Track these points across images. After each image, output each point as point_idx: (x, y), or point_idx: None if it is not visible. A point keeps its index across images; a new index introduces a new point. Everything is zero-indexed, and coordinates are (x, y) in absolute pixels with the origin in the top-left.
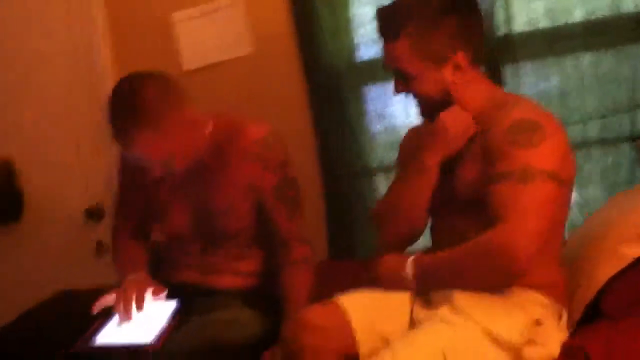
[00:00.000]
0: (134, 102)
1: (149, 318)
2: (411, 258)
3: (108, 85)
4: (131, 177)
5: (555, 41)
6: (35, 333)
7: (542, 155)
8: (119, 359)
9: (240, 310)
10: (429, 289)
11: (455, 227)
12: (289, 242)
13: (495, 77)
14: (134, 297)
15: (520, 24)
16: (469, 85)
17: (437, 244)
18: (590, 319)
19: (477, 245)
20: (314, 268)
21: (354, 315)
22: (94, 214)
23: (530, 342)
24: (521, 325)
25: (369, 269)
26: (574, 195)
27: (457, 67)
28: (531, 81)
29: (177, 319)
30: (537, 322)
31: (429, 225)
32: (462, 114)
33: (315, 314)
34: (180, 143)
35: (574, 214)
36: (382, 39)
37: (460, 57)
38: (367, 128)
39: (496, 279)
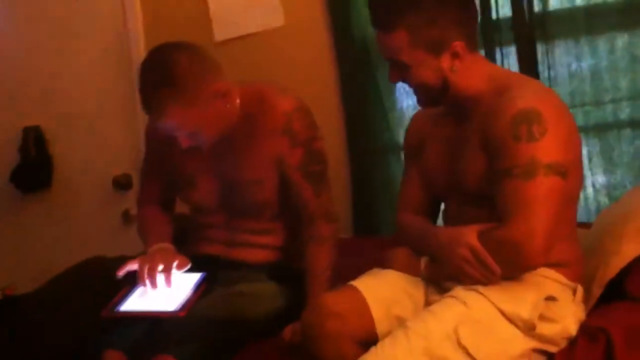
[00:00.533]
0: (165, 73)
1: (173, 288)
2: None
3: (139, 55)
4: (158, 148)
5: (591, 20)
6: (65, 297)
7: (545, 148)
8: (144, 325)
9: (264, 284)
10: None
11: (466, 214)
12: (315, 219)
13: (529, 55)
14: (159, 266)
15: (557, 1)
16: (467, 71)
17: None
18: (612, 299)
19: (489, 240)
20: (337, 245)
21: (371, 300)
22: (121, 184)
23: (544, 318)
24: (534, 301)
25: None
26: (602, 179)
27: (454, 55)
28: (564, 60)
29: (202, 290)
30: (551, 298)
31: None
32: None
33: (335, 300)
34: (210, 115)
35: (602, 196)
36: (377, 29)
37: (458, 46)
38: (396, 103)
39: (510, 272)
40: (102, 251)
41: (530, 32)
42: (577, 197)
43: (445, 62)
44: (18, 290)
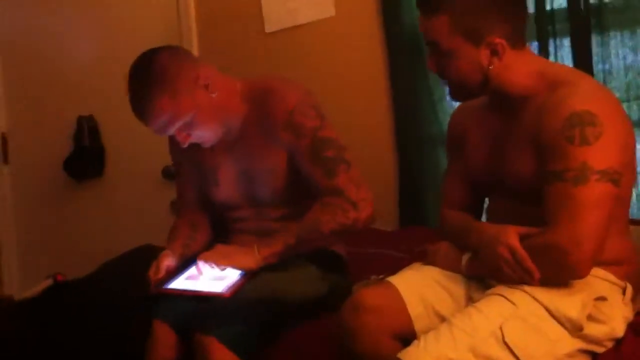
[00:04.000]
0: (145, 73)
1: (221, 274)
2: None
3: (191, 47)
4: (181, 153)
5: None
6: (115, 284)
7: (598, 153)
8: (191, 303)
9: (303, 268)
10: None
11: (510, 212)
12: (327, 194)
13: (584, 47)
14: (218, 256)
15: None
16: (511, 68)
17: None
18: None
19: (534, 245)
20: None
21: (409, 297)
22: (170, 174)
23: (592, 318)
24: (583, 301)
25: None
26: None
27: (494, 53)
28: (620, 52)
29: (247, 276)
30: (601, 298)
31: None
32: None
33: (372, 295)
34: (198, 105)
35: None
36: (421, 12)
37: (498, 44)
38: (445, 94)
39: (556, 279)
40: (150, 239)
41: (585, 23)
42: (630, 195)
43: (484, 56)
44: (68, 276)
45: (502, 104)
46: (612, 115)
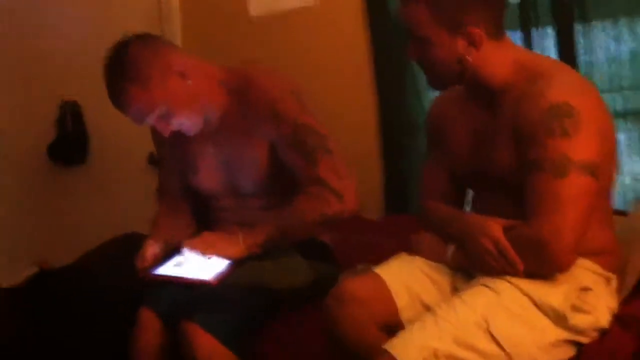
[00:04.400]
0: (118, 63)
1: (209, 261)
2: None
3: (175, 30)
4: (163, 141)
5: (631, 1)
6: (99, 272)
7: (578, 145)
8: (178, 291)
9: (291, 257)
10: None
11: (494, 202)
12: (309, 183)
13: (567, 36)
14: (204, 244)
15: None
16: (490, 58)
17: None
18: None
19: (515, 237)
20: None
21: (395, 287)
22: (156, 160)
23: (576, 308)
24: (565, 291)
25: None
26: None
27: (471, 43)
28: (603, 43)
29: (234, 265)
30: (585, 289)
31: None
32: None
33: (357, 285)
34: (174, 93)
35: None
36: (400, 2)
37: (476, 34)
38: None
39: (538, 271)
40: (135, 227)
41: (568, 12)
42: (612, 186)
43: (462, 46)
44: (53, 264)
45: (481, 95)
46: (591, 107)
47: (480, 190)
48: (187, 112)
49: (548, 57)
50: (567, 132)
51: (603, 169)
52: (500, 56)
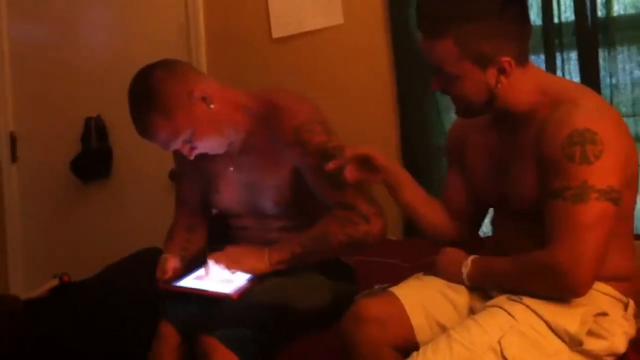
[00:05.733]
0: (141, 91)
1: (231, 276)
2: (470, 258)
3: (199, 49)
4: (184, 157)
5: None
6: (120, 285)
7: (599, 172)
8: (198, 305)
9: (312, 276)
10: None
11: (515, 228)
12: (334, 206)
13: (591, 61)
14: (229, 259)
15: (621, 6)
16: (516, 85)
17: (498, 239)
18: None
19: (533, 263)
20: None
21: (411, 308)
22: (176, 177)
23: (592, 333)
24: (582, 316)
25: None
26: None
27: (501, 71)
28: (627, 67)
29: (255, 280)
30: (602, 314)
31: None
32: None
33: (373, 306)
34: (197, 118)
35: None
36: (424, 35)
37: (505, 62)
38: (452, 106)
39: (556, 297)
40: (155, 242)
41: (592, 37)
42: (633, 211)
43: (491, 77)
44: (74, 277)
45: (504, 120)
46: (613, 133)
47: (502, 214)
48: (211, 136)
49: (571, 81)
50: (588, 158)
51: (624, 195)
52: (526, 82)
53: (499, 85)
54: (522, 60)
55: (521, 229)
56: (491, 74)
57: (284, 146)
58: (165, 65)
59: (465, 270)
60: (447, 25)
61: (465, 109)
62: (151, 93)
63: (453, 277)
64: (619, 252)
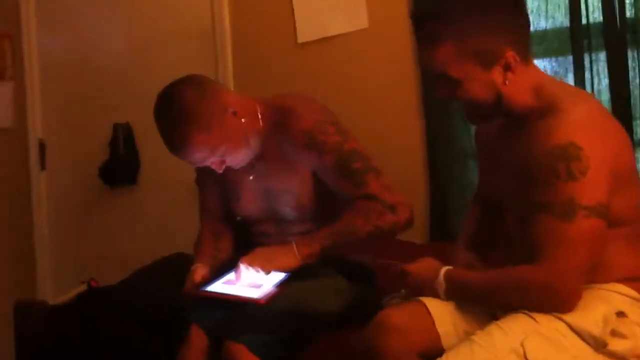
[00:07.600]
0: (175, 109)
1: (258, 282)
2: (442, 273)
3: (225, 56)
4: (204, 167)
5: None
6: (147, 291)
7: (585, 189)
8: (226, 310)
9: (332, 278)
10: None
11: (513, 232)
12: (356, 199)
13: (619, 61)
14: (262, 260)
15: None
16: (519, 84)
17: (506, 239)
18: None
19: (516, 278)
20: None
21: (437, 313)
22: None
23: (615, 333)
24: (605, 316)
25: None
26: None
27: (507, 67)
28: None
29: (284, 286)
30: (621, 314)
31: None
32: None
33: (398, 314)
34: (230, 133)
35: None
36: (421, 45)
37: (510, 56)
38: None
39: (539, 311)
40: (182, 247)
41: (621, 37)
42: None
43: (498, 75)
44: (101, 282)
45: (510, 122)
46: (598, 144)
47: (505, 217)
48: (242, 149)
49: (566, 85)
50: (573, 175)
51: (631, 192)
52: (526, 82)
53: (507, 82)
54: (524, 55)
55: (512, 227)
56: (497, 72)
57: (299, 150)
58: (195, 82)
59: (440, 288)
60: (444, 30)
61: (473, 113)
62: (190, 111)
63: (426, 290)
64: (632, 252)
